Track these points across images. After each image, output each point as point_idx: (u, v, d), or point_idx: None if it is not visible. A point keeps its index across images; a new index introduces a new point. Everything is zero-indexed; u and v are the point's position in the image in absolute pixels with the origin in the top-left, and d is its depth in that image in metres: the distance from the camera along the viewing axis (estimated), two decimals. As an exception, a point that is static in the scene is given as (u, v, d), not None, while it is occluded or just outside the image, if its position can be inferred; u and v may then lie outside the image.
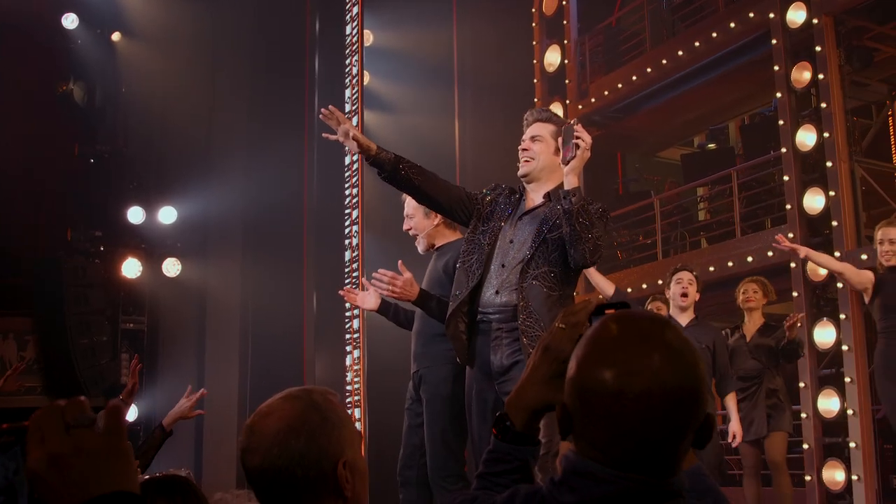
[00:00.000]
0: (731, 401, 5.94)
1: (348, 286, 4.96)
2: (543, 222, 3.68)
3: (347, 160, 10.28)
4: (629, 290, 8.87)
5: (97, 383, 10.10)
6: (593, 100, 10.49)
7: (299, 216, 10.83)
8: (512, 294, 3.63)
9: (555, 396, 1.45)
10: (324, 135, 3.81)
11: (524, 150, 3.81)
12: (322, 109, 3.67)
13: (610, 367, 1.27)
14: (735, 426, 5.93)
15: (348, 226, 10.09)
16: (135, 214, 10.34)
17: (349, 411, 9.55)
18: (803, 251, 6.11)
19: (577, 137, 3.50)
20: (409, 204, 4.55)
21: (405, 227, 4.66)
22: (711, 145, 10.96)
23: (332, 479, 1.63)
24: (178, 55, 10.45)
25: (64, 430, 1.02)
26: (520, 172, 3.83)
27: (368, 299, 4.71)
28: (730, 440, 6.02)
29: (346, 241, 10.14)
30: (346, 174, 10.27)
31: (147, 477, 2.57)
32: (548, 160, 3.80)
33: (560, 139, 3.65)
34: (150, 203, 10.43)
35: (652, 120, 10.94)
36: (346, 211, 10.32)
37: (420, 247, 4.70)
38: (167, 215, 10.53)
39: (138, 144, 10.54)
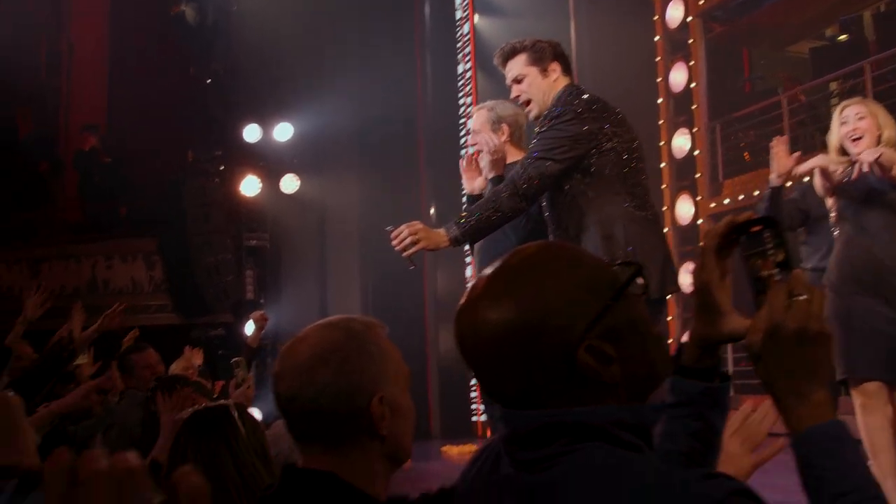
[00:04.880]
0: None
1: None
2: None
3: (460, 69, 10.08)
4: (756, 192, 8.51)
5: (222, 300, 10.37)
6: (716, -7, 9.98)
7: (414, 128, 10.73)
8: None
9: (705, 330, 1.35)
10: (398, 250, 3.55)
11: (517, 97, 3.73)
12: (384, 229, 3.51)
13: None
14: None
15: (463, 136, 9.95)
16: (251, 132, 10.41)
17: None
18: None
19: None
20: (476, 119, 4.19)
21: (471, 142, 4.20)
22: (843, 37, 10.31)
23: (365, 415, 1.49)
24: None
25: None
26: (531, 117, 3.77)
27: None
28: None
29: (462, 152, 10.01)
30: (460, 83, 10.08)
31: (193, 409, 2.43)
32: (539, 90, 3.67)
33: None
34: (265, 120, 10.47)
35: (778, 12, 10.30)
36: (461, 121, 10.16)
37: (483, 164, 4.11)
38: (283, 132, 10.56)
39: (252, 62, 10.53)
